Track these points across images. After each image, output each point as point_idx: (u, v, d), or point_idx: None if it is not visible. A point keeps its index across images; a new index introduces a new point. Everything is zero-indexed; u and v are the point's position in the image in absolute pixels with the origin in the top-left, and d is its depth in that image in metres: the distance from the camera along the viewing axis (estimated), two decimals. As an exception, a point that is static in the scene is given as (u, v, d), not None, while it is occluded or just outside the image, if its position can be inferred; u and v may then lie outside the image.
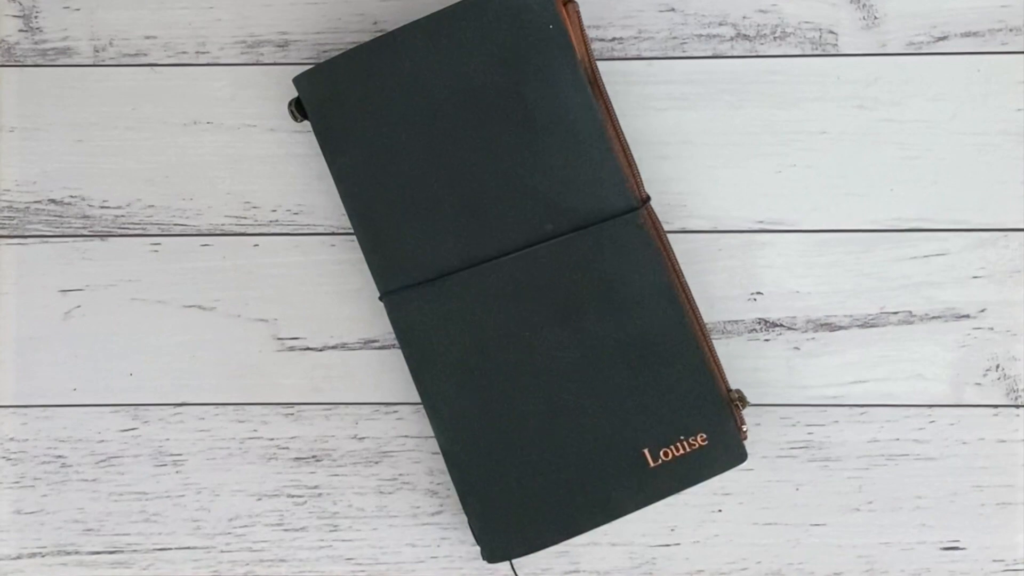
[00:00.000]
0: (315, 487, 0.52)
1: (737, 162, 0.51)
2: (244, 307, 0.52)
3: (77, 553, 0.52)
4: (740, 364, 0.51)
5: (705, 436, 0.47)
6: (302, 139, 0.51)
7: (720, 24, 0.51)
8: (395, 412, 0.51)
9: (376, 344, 0.51)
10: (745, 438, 0.48)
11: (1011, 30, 0.51)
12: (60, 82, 0.52)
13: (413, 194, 0.48)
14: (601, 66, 0.49)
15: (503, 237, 0.47)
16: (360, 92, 0.47)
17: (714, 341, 0.50)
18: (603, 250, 0.47)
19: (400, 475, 0.52)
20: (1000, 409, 0.51)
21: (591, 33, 0.51)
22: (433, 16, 0.47)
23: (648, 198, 0.48)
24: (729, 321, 0.51)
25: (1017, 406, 0.51)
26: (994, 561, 0.51)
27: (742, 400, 0.48)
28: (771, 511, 0.51)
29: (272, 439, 0.52)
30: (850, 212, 0.51)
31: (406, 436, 0.50)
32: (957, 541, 0.51)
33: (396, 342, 0.50)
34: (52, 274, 0.52)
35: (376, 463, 0.52)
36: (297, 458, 0.52)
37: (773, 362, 0.51)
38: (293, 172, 0.52)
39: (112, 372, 0.52)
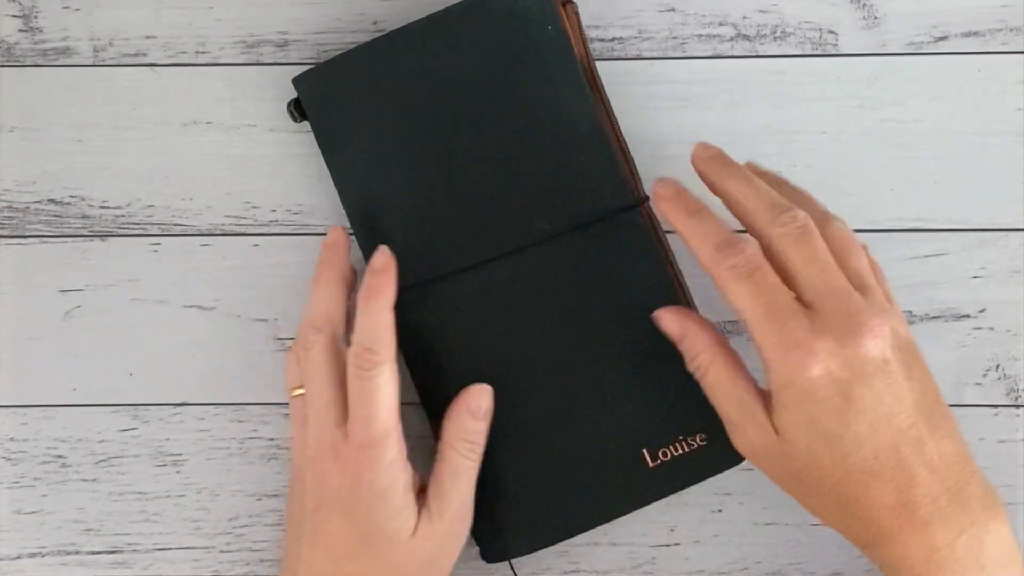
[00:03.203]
0: (315, 487, 0.52)
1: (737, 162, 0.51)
2: (244, 307, 0.52)
3: (77, 553, 0.52)
4: (740, 364, 0.51)
5: (704, 436, 0.47)
6: (302, 139, 0.51)
7: (720, 24, 0.51)
8: (395, 412, 0.51)
9: (376, 344, 0.51)
10: (745, 438, 0.48)
11: (1012, 30, 0.51)
12: (60, 82, 0.52)
13: (412, 194, 0.48)
14: (601, 66, 0.49)
15: (502, 237, 0.47)
16: (360, 92, 0.48)
17: (714, 341, 0.50)
18: (602, 250, 0.47)
19: (400, 475, 0.51)
20: (1000, 409, 0.51)
21: (591, 33, 0.51)
22: (433, 17, 0.47)
23: (647, 198, 0.48)
24: (729, 321, 0.51)
25: (1017, 406, 0.51)
26: (994, 561, 0.51)
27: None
28: (771, 511, 0.51)
29: (272, 439, 0.52)
30: (850, 212, 0.51)
31: (405, 436, 0.50)
32: (957, 541, 0.51)
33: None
34: (52, 274, 0.52)
35: (376, 463, 0.51)
36: (297, 458, 0.52)
37: (773, 362, 0.51)
38: (293, 172, 0.52)
39: (112, 372, 0.52)
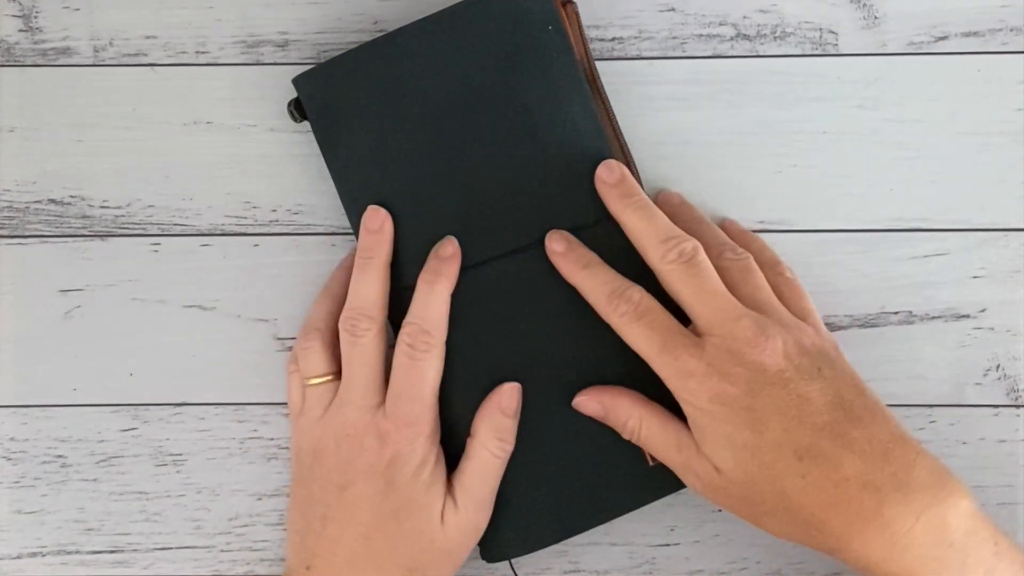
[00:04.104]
0: (315, 487, 0.52)
1: (737, 162, 0.51)
2: (244, 307, 0.52)
3: (78, 552, 0.52)
4: (740, 364, 0.51)
5: (704, 436, 0.47)
6: (302, 139, 0.51)
7: (720, 24, 0.51)
8: (395, 412, 0.51)
9: (376, 344, 0.51)
10: (745, 438, 0.48)
11: (1011, 30, 0.51)
12: (60, 82, 0.52)
13: (412, 194, 0.48)
14: (601, 66, 0.49)
15: (502, 237, 0.47)
16: (360, 92, 0.48)
17: (714, 341, 0.50)
18: (601, 250, 0.47)
19: (400, 475, 0.51)
20: (1000, 409, 0.51)
21: (591, 33, 0.51)
22: (433, 16, 0.47)
23: (647, 198, 0.48)
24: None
25: (1017, 406, 0.51)
26: (994, 561, 0.51)
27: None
28: (771, 511, 0.51)
29: (272, 439, 0.52)
30: (850, 212, 0.51)
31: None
32: (957, 541, 0.51)
33: (396, 343, 0.50)
34: (52, 274, 0.52)
35: (376, 463, 0.51)
36: (297, 458, 0.52)
37: (773, 362, 0.51)
38: (293, 172, 0.52)
39: (112, 372, 0.52)
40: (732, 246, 0.47)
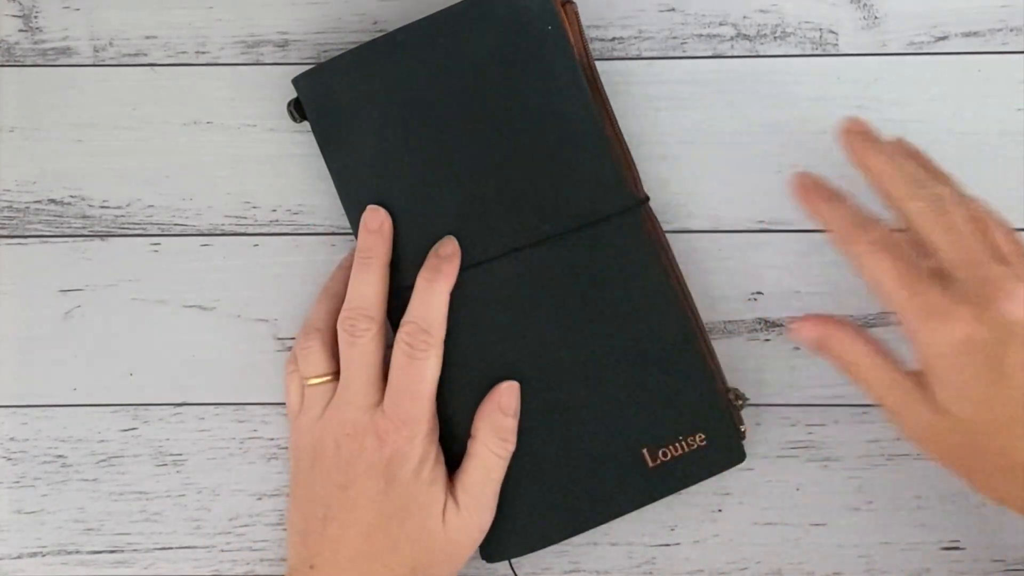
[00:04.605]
0: (315, 487, 0.52)
1: (737, 162, 0.51)
2: (244, 307, 0.52)
3: (78, 552, 0.52)
4: (740, 364, 0.51)
5: (703, 436, 0.47)
6: (302, 139, 0.51)
7: (720, 24, 0.51)
8: (395, 412, 0.51)
9: (376, 344, 0.51)
10: (744, 438, 0.48)
11: (1011, 30, 0.51)
12: (60, 82, 0.52)
13: (412, 195, 0.48)
14: (601, 66, 0.49)
15: (502, 237, 0.47)
16: (359, 92, 0.48)
17: (714, 341, 0.50)
18: (602, 250, 0.47)
19: (400, 475, 0.51)
20: (1000, 409, 0.51)
21: (591, 33, 0.51)
22: (432, 16, 0.47)
23: (647, 198, 0.48)
24: (729, 321, 0.51)
25: (1017, 406, 0.51)
26: (994, 561, 0.51)
27: (739, 398, 0.48)
28: (771, 511, 0.51)
29: (272, 439, 0.52)
30: (850, 212, 0.51)
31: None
32: (957, 541, 0.51)
33: (395, 341, 0.50)
34: (52, 274, 0.52)
35: (376, 463, 0.51)
36: (297, 458, 0.52)
37: (773, 362, 0.51)
38: (293, 172, 0.52)
39: (112, 372, 0.52)
40: (975, 198, 0.44)
